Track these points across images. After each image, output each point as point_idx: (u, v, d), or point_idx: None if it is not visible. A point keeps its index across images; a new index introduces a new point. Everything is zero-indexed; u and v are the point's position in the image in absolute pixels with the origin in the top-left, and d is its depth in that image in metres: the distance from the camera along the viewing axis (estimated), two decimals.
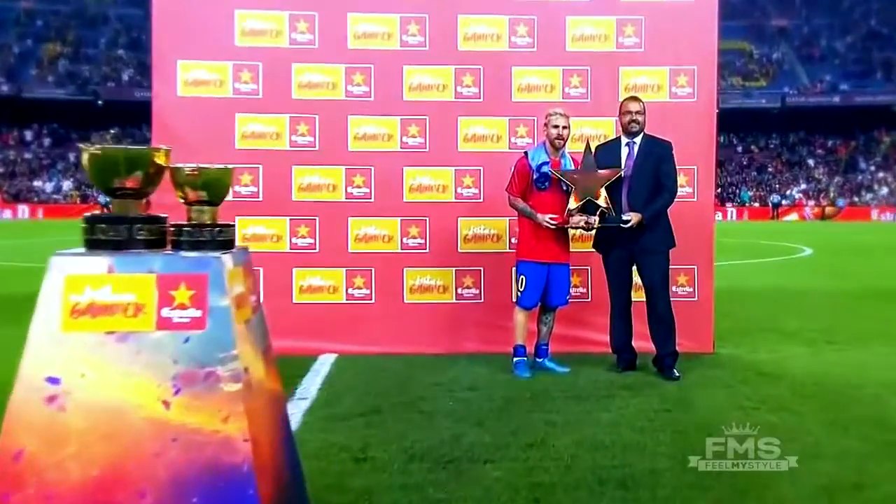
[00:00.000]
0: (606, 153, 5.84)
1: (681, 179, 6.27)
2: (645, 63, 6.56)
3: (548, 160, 5.74)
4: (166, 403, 2.27)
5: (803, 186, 55.55)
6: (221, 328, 2.32)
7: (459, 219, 6.57)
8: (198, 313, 2.31)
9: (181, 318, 2.31)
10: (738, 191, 55.50)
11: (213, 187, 2.52)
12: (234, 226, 2.58)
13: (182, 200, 2.60)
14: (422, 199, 6.54)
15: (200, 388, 2.28)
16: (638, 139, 5.82)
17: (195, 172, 2.52)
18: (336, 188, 6.48)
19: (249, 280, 2.61)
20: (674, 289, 6.40)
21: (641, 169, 5.73)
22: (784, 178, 57.24)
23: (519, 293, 5.84)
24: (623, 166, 5.76)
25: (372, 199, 6.51)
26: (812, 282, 12.92)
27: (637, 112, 5.74)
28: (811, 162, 58.76)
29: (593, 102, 6.59)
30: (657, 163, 5.73)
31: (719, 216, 47.59)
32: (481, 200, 6.56)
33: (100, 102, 53.15)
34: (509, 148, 6.47)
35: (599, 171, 5.68)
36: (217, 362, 2.30)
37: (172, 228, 2.53)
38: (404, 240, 6.53)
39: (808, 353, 6.63)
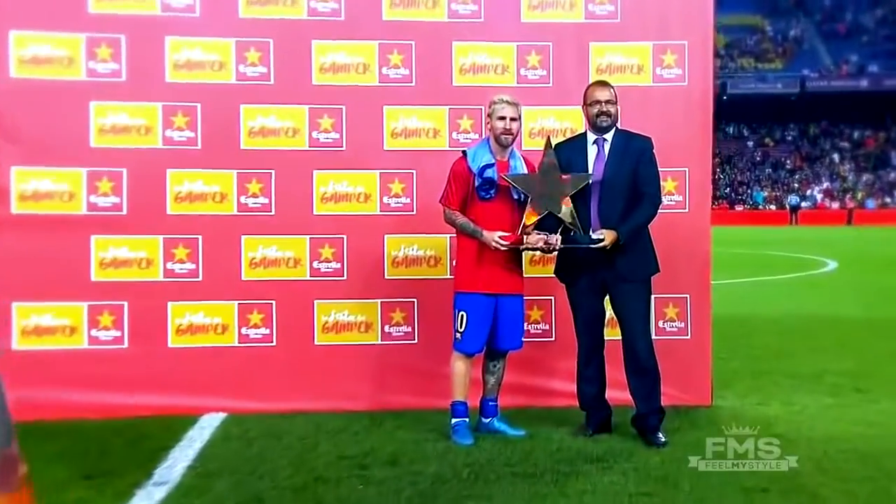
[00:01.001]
0: (569, 153, 5.42)
1: (668, 185, 6.13)
2: (622, 37, 6.29)
3: (492, 161, 5.30)
4: None
5: (826, 185, 55.84)
6: None
7: (386, 236, 6.24)
8: None
9: None
10: (749, 191, 55.70)
11: None
12: None
13: None
14: (337, 211, 6.19)
15: None
16: (609, 135, 5.40)
17: None
18: (225, 198, 6.09)
19: None
20: (660, 324, 6.24)
21: (615, 173, 5.31)
22: (804, 175, 57.55)
23: (458, 335, 5.36)
24: (592, 170, 5.30)
25: (272, 212, 6.13)
26: (836, 306, 12.59)
27: (607, 101, 5.31)
28: (835, 157, 59.17)
29: (556, 88, 6.26)
30: (634, 165, 5.32)
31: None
32: (414, 213, 6.22)
33: None
34: (449, 146, 6.14)
35: (563, 176, 5.23)
36: None
37: None
38: (315, 264, 6.17)
39: (832, 406, 6.28)
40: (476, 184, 5.30)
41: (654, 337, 5.87)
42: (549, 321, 6.31)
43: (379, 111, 6.20)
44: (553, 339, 6.29)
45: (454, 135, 6.22)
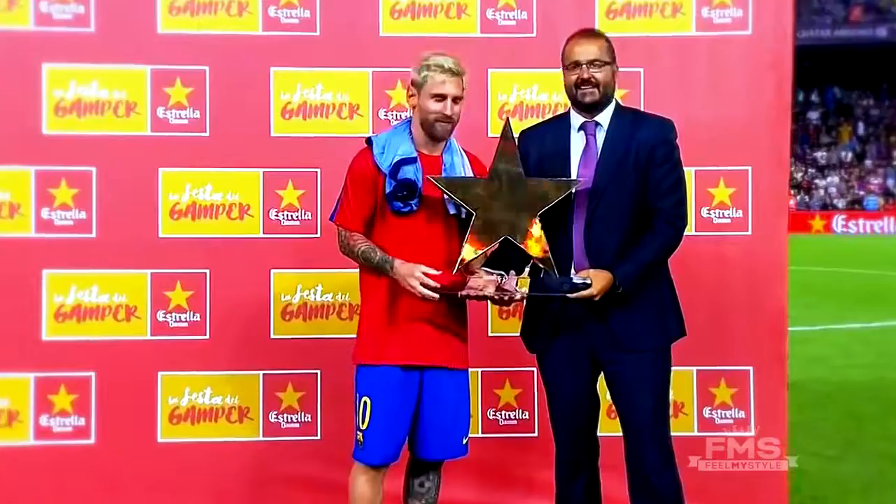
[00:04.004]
0: (542, 145, 5.08)
1: (718, 194, 6.13)
2: None
3: (413, 154, 4.95)
4: None
5: None
6: None
7: (274, 272, 6.14)
8: None
9: None
10: None
11: None
12: None
13: None
14: (196, 231, 6.09)
15: None
16: (605, 117, 5.03)
17: None
18: (17, 210, 5.99)
19: None
20: (704, 413, 6.16)
21: (612, 179, 4.94)
22: None
23: (359, 434, 5.00)
24: (576, 174, 4.97)
25: (92, 234, 6.03)
26: None
27: (592, 61, 4.94)
28: None
29: (543, 40, 6.10)
30: (643, 165, 4.93)
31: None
32: (318, 235, 6.10)
33: None
34: (374, 130, 5.96)
35: (531, 181, 4.92)
36: None
37: None
38: (160, 315, 6.07)
39: None
40: (387, 190, 4.90)
41: (690, 433, 5.92)
42: (530, 406, 6.17)
43: (263, 75, 6.07)
44: (535, 433, 6.15)
45: (382, 113, 6.13)
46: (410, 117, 5.08)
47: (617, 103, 5.07)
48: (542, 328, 5.11)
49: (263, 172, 6.06)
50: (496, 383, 5.99)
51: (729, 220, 6.08)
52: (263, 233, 6.06)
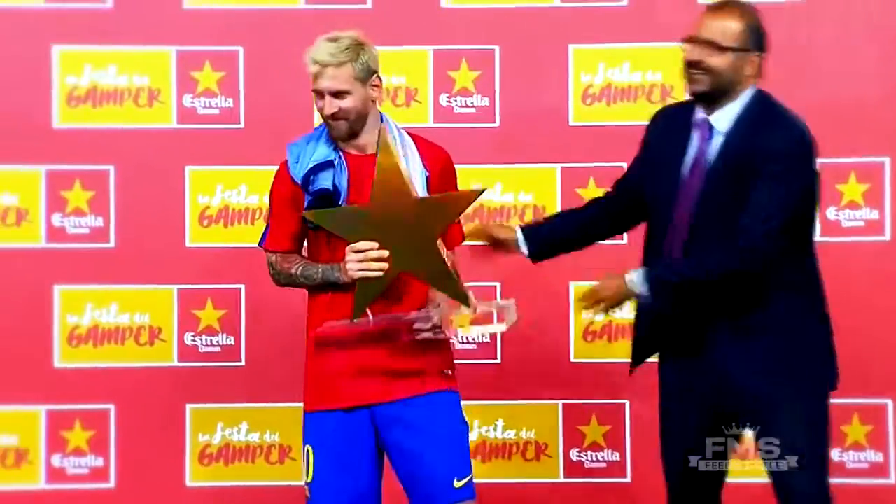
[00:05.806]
0: (664, 137, 4.83)
1: (847, 191, 5.91)
2: None
3: (331, 157, 4.73)
4: None
5: None
6: None
7: None
8: None
9: None
10: None
11: None
12: None
13: None
14: (230, 240, 6.05)
15: None
16: (723, 117, 4.66)
17: None
18: (26, 217, 5.99)
19: None
20: (835, 455, 5.74)
21: (719, 196, 4.61)
22: None
23: (306, 488, 4.86)
24: (682, 180, 4.67)
25: (110, 243, 6.01)
26: None
27: (707, 42, 4.57)
28: None
29: (635, 9, 6.04)
30: (749, 173, 4.54)
31: None
32: None
33: None
34: (434, 120, 6.07)
35: (423, 200, 4.59)
36: None
37: None
38: (188, 338, 6.03)
39: None
40: (306, 205, 4.79)
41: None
42: (621, 446, 6.00)
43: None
44: (628, 479, 5.99)
45: (444, 99, 6.06)
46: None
47: (752, 99, 4.65)
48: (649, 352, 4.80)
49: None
50: (581, 419, 5.83)
51: (862, 223, 5.85)
52: None
